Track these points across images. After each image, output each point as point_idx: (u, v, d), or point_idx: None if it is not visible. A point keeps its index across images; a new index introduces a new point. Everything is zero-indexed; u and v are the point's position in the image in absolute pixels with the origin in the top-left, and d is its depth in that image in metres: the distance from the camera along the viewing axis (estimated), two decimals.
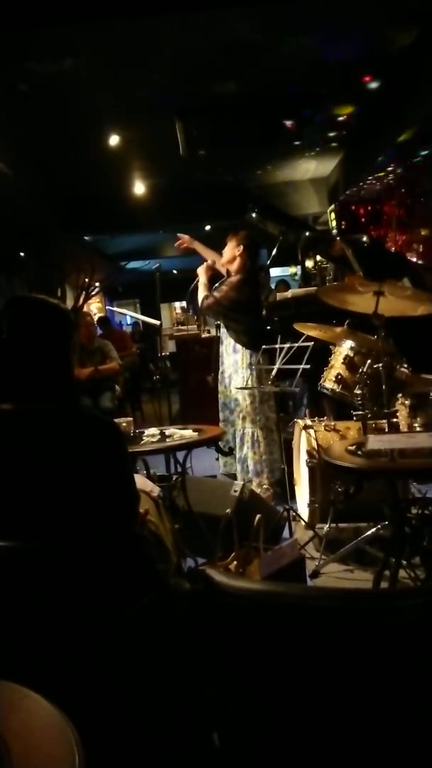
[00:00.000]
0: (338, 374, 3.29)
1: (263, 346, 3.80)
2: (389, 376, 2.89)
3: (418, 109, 5.60)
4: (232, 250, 4.33)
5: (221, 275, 4.46)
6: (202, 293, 4.37)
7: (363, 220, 8.78)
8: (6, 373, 1.61)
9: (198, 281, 4.41)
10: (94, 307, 12.31)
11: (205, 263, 4.45)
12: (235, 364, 4.28)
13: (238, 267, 4.30)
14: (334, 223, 9.07)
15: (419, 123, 5.84)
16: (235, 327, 4.29)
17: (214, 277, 4.49)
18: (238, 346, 4.26)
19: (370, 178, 7.72)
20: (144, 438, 3.09)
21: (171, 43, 4.77)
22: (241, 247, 4.30)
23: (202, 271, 4.41)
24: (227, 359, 4.35)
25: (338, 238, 6.23)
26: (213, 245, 4.64)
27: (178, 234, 4.67)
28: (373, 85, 6.02)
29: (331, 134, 7.43)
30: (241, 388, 4.17)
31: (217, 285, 4.35)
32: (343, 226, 8.78)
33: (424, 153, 6.71)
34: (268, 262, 6.58)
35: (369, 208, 8.71)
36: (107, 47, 4.74)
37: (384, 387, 2.83)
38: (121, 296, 16.23)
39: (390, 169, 7.26)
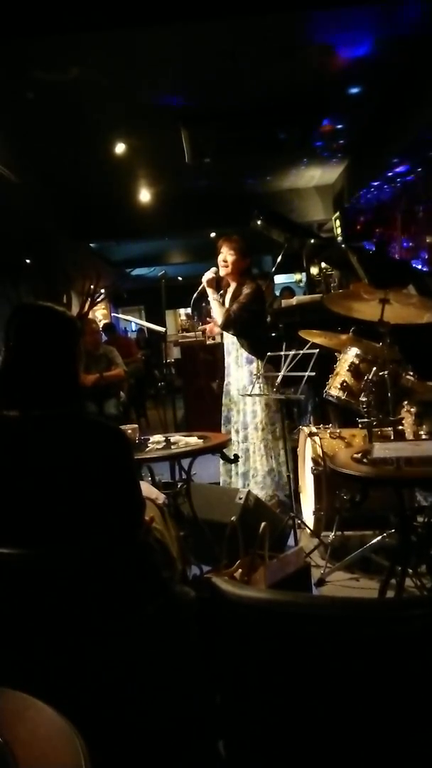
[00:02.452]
0: (343, 381, 3.29)
1: (268, 353, 3.77)
2: (395, 384, 2.89)
3: (423, 115, 5.61)
4: (230, 256, 4.18)
5: (220, 282, 4.36)
6: (218, 311, 4.21)
7: (368, 227, 8.79)
8: (12, 380, 1.62)
9: (203, 290, 4.28)
10: (100, 314, 12.33)
11: (206, 276, 4.26)
12: (250, 374, 4.15)
13: (245, 277, 4.23)
14: (339, 230, 9.08)
15: (424, 129, 5.85)
16: (249, 339, 4.20)
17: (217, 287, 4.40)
18: (252, 357, 4.15)
19: (374, 184, 7.73)
20: (149, 445, 3.09)
21: (177, 50, 4.79)
22: (238, 253, 4.17)
23: (211, 287, 4.25)
24: (236, 371, 4.25)
25: (343, 246, 6.23)
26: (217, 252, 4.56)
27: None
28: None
29: (337, 143, 7.46)
30: (246, 395, 4.09)
31: (231, 301, 4.23)
32: (348, 233, 8.79)
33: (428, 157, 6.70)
34: (273, 269, 6.56)
35: (374, 215, 8.72)
36: (113, 55, 4.77)
37: (389, 394, 2.83)
38: (126, 303, 16.27)
39: (395, 173, 7.27)
